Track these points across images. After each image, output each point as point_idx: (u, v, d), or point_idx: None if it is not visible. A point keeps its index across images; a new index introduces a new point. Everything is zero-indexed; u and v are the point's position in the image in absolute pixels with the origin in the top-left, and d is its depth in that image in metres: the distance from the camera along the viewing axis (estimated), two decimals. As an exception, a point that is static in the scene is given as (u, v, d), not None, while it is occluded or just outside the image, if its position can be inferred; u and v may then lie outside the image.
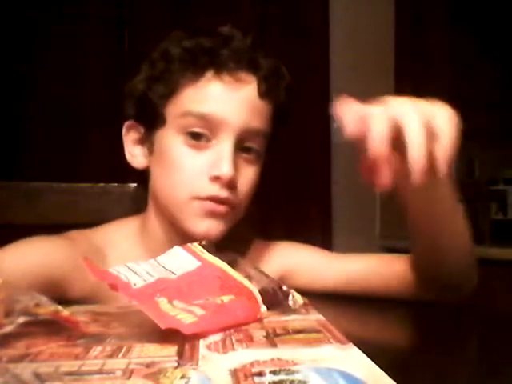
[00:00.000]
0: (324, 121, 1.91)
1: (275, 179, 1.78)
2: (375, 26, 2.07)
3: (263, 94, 0.71)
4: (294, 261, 0.77)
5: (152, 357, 0.40)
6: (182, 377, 0.35)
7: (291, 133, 1.82)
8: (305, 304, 0.58)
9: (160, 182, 0.72)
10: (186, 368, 0.37)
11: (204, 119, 0.68)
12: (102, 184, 0.90)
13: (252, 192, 0.72)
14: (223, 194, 0.68)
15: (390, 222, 2.08)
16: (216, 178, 0.68)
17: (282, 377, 0.35)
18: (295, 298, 0.58)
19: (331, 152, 1.94)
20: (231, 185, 0.68)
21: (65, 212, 0.72)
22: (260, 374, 0.35)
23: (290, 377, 0.35)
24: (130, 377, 0.35)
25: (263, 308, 0.54)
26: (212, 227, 0.68)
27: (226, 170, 0.67)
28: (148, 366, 0.37)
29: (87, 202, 0.83)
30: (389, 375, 0.35)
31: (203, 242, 0.61)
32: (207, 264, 0.57)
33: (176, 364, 0.38)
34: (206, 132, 0.68)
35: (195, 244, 0.60)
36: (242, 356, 0.40)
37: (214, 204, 0.68)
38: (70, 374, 0.36)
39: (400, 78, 2.07)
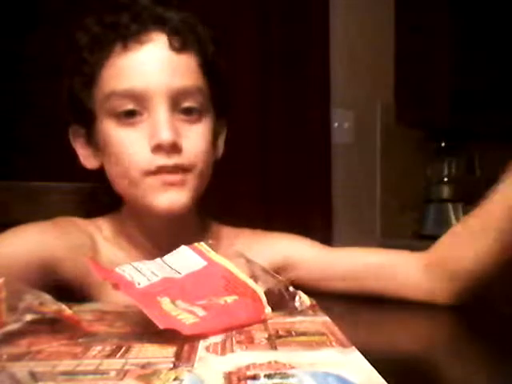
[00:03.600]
0: (324, 120, 1.90)
1: (275, 179, 1.77)
2: (375, 28, 2.03)
3: (176, 47, 0.67)
4: (294, 252, 0.75)
5: (149, 358, 0.39)
6: (175, 379, 0.34)
7: (292, 132, 1.81)
8: (312, 305, 0.57)
9: (111, 171, 0.70)
10: (180, 370, 0.36)
11: (128, 95, 0.66)
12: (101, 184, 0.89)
13: (206, 153, 0.70)
14: (170, 161, 0.66)
15: (390, 222, 2.07)
16: (158, 147, 0.65)
17: (276, 381, 0.34)
18: (302, 299, 0.57)
19: (331, 152, 1.92)
20: (176, 149, 0.66)
21: (65, 212, 0.72)
22: (254, 378, 0.34)
23: (285, 381, 0.34)
24: (123, 378, 0.35)
25: (268, 309, 0.53)
26: (174, 198, 0.67)
27: (164, 135, 0.65)
28: (143, 366, 0.37)
29: (87, 202, 0.84)
30: (388, 381, 0.34)
31: (210, 242, 0.60)
32: (213, 263, 0.57)
33: (171, 365, 0.37)
34: (135, 107, 0.66)
35: (202, 243, 0.60)
36: (240, 358, 0.39)
37: (166, 174, 0.66)
38: (65, 373, 0.36)
39: (400, 77, 2.04)
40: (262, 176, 1.78)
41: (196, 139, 0.69)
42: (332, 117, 1.93)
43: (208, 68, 0.71)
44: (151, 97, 0.66)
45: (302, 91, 1.84)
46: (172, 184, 0.67)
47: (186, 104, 0.68)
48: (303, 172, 1.85)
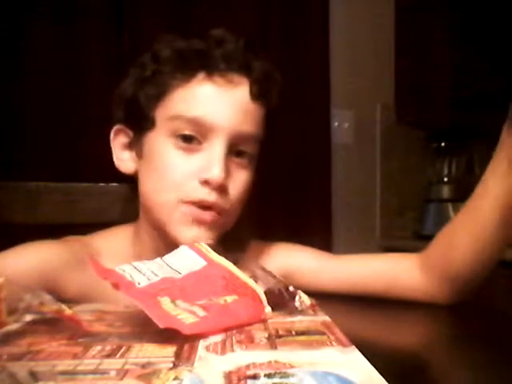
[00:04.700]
0: (324, 120, 1.89)
1: (275, 179, 1.77)
2: (375, 28, 2.03)
3: (256, 96, 0.69)
4: (293, 262, 0.76)
5: (149, 357, 0.39)
6: (175, 378, 0.34)
7: (292, 132, 1.81)
8: (312, 305, 0.57)
9: (148, 185, 0.70)
10: (180, 369, 0.36)
11: (194, 123, 0.67)
12: (102, 184, 0.90)
13: (244, 197, 0.71)
14: (211, 198, 0.66)
15: (390, 222, 2.07)
16: (206, 182, 0.66)
17: (276, 380, 0.34)
18: (302, 299, 0.57)
19: (331, 152, 1.92)
20: (221, 189, 0.67)
21: (65, 212, 0.72)
22: (254, 377, 0.34)
23: (285, 380, 0.34)
24: (123, 377, 0.35)
25: (268, 309, 0.53)
26: (199, 235, 0.66)
27: (216, 173, 0.66)
28: (143, 366, 0.37)
29: (87, 202, 0.84)
30: (388, 380, 0.34)
31: (210, 241, 0.60)
32: (213, 263, 0.57)
33: (171, 365, 0.37)
34: (197, 135, 0.67)
35: (202, 243, 0.60)
36: (240, 358, 0.39)
37: (200, 211, 0.67)
38: (65, 373, 0.36)
39: (400, 77, 2.04)
40: (261, 176, 1.78)
41: (240, 184, 0.70)
42: (332, 117, 1.93)
43: (268, 120, 0.72)
44: (216, 132, 0.67)
45: (302, 91, 1.84)
46: (201, 221, 0.67)
47: (242, 148, 0.69)
48: (303, 172, 1.85)
